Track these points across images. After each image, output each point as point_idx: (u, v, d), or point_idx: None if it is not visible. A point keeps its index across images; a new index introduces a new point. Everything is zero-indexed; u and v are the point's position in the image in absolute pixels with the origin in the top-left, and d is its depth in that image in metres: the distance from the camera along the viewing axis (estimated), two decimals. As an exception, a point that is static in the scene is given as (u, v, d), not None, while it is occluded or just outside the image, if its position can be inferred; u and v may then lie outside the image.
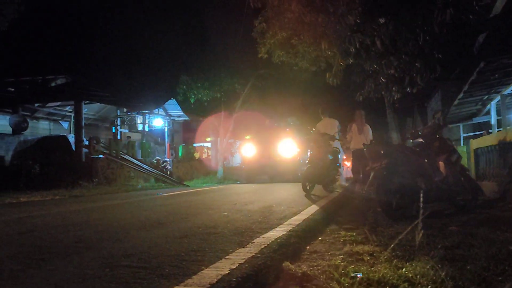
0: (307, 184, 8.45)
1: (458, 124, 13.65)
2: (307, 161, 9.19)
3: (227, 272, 2.44)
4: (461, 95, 10.44)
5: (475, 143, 8.57)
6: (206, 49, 18.85)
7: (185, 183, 17.54)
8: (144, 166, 17.77)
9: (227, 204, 6.80)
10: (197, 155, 23.79)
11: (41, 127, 21.31)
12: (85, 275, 2.44)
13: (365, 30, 7.16)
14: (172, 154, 22.80)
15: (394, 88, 8.35)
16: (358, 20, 7.21)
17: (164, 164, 19.88)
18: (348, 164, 15.56)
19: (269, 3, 8.59)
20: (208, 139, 25.32)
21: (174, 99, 21.01)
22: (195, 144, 25.57)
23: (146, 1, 22.14)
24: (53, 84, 21.67)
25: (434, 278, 2.45)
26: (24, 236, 3.88)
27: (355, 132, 9.47)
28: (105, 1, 21.87)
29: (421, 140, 6.05)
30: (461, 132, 13.72)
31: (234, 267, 2.55)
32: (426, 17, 6.68)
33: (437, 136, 5.96)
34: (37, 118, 21.15)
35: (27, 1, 11.33)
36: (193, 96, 18.82)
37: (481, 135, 11.56)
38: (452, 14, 6.40)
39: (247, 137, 20.75)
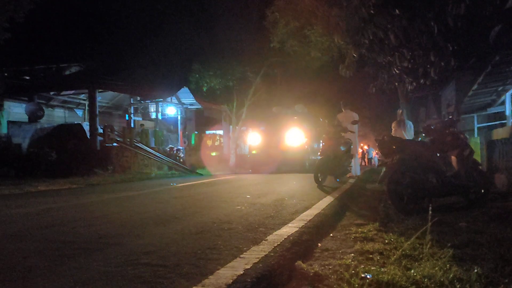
0: (319, 175, 8.53)
1: (472, 115, 13.55)
2: (319, 153, 9.26)
3: (241, 273, 2.53)
4: (476, 86, 10.35)
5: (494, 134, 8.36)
6: (219, 38, 18.85)
7: (197, 171, 17.74)
8: (158, 154, 18.01)
9: (240, 196, 6.93)
10: (209, 142, 23.97)
11: (56, 115, 21.63)
12: (109, 273, 2.57)
13: (378, 23, 7.13)
14: (185, 142, 23.01)
15: (407, 80, 8.33)
16: (372, 11, 7.18)
17: (177, 152, 20.10)
18: None
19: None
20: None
21: (187, 87, 21.12)
22: (207, 132, 25.72)
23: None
24: (67, 72, 21.98)
25: (442, 280, 2.52)
26: (47, 231, 4.05)
27: (395, 127, 10.76)
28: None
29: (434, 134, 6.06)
30: (475, 123, 13.62)
31: (249, 267, 2.64)
32: (441, 9, 6.62)
33: (450, 130, 5.97)
34: (52, 106, 21.47)
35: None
36: (205, 85, 18.91)
37: (495, 126, 11.45)
38: (466, 6, 6.34)
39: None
